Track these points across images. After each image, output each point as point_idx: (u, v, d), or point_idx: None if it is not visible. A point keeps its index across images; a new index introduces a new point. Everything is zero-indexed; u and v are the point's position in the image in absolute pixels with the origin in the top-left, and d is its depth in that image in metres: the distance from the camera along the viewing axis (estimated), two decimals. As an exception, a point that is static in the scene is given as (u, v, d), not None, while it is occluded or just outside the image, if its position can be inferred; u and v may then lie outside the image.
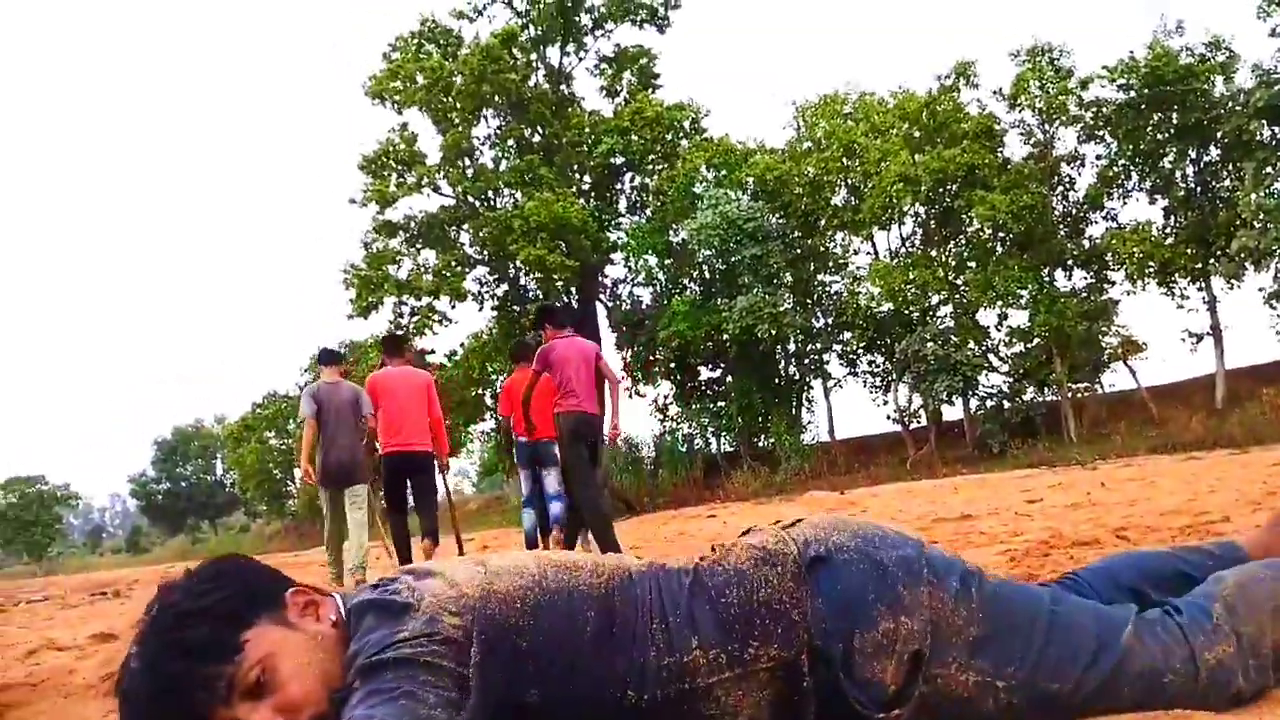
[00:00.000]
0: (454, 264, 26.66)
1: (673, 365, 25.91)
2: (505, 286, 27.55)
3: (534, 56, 27.48)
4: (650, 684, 1.23)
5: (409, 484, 7.05)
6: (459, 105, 26.35)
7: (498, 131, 27.72)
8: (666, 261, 26.11)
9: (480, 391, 27.98)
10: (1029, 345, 23.52)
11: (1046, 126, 23.50)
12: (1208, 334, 22.06)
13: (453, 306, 26.85)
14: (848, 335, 25.68)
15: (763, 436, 26.07)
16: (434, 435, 7.17)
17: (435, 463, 7.33)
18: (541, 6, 26.78)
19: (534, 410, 6.88)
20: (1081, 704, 1.29)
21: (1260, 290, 21.36)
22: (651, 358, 26.11)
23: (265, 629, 1.25)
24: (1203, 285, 22.04)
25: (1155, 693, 1.30)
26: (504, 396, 8.30)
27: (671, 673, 1.24)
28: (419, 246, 27.35)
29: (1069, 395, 22.85)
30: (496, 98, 26.07)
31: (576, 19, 27.15)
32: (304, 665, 1.23)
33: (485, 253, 26.75)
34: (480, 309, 27.72)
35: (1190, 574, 1.56)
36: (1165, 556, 1.66)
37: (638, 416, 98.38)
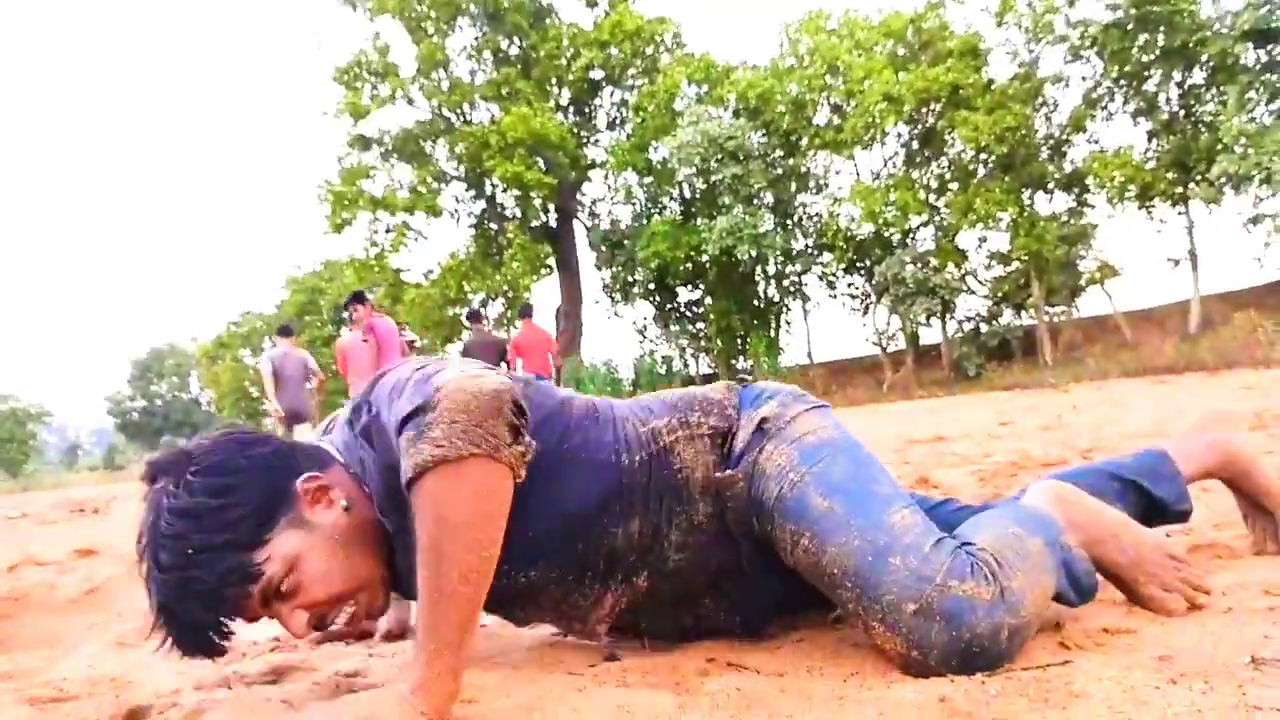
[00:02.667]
0: (429, 180, 26.28)
1: (652, 286, 25.85)
2: (482, 204, 27.22)
3: (511, -35, 26.74)
4: (635, 447, 1.46)
5: None
6: (433, 14, 25.69)
7: (474, 43, 27.05)
8: (646, 180, 25.83)
9: (457, 311, 27.87)
10: (1008, 269, 23.61)
11: (1032, 46, 23.22)
12: (1185, 258, 22.21)
13: (428, 223, 26.57)
14: (827, 257, 25.63)
15: (741, 358, 26.20)
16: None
17: None
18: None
19: (528, 357, 10.02)
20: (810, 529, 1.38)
21: (1238, 215, 21.47)
22: (630, 278, 26.02)
23: (283, 538, 1.28)
24: (1182, 210, 22.11)
25: (872, 572, 1.29)
26: (515, 347, 10.32)
27: (647, 437, 1.48)
28: (393, 162, 26.91)
29: (1045, 319, 23.03)
30: (472, 7, 25.41)
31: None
32: (325, 569, 1.29)
33: (461, 169, 26.35)
34: (457, 226, 27.49)
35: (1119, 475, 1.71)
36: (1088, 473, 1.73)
37: (617, 338, 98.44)
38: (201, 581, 1.23)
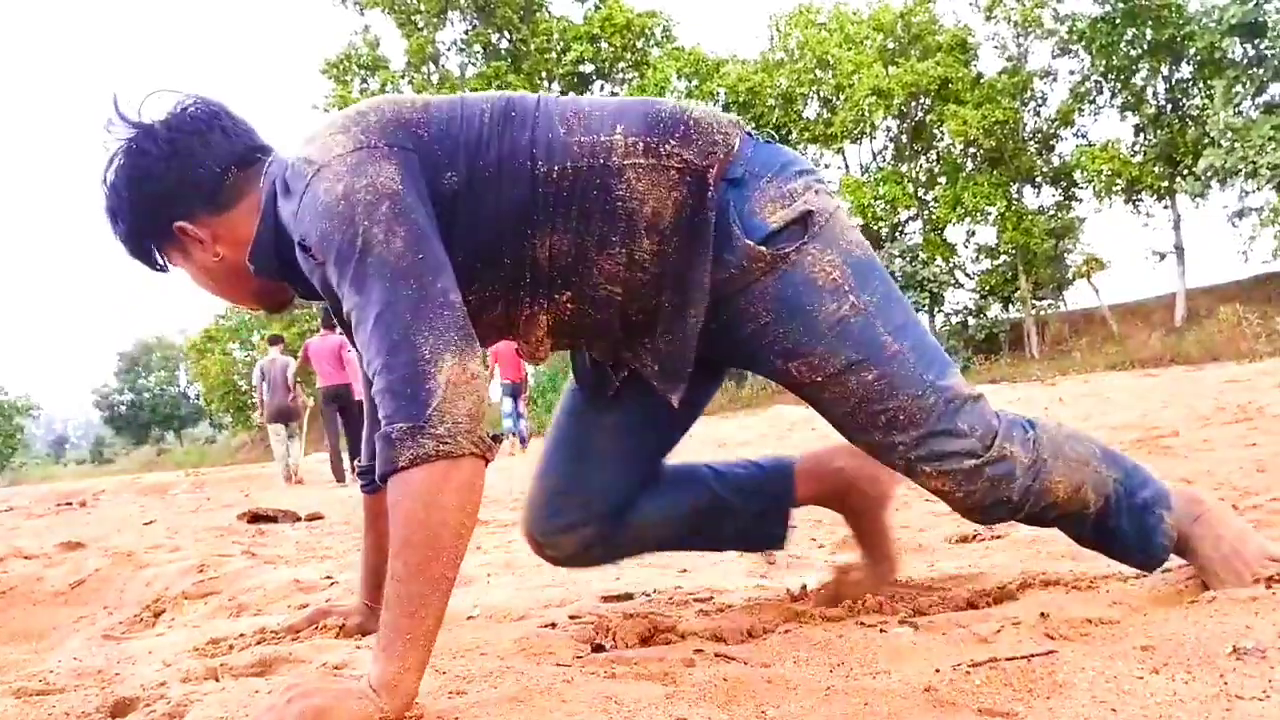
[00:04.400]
0: (420, 174, 26.23)
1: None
2: (472, 197, 27.20)
3: (501, -42, 26.65)
4: (559, 156, 1.33)
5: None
6: (424, 8, 25.61)
7: (464, 36, 26.99)
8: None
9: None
10: (995, 262, 23.69)
11: (1021, 40, 23.29)
12: (1171, 252, 22.32)
13: (419, 217, 26.51)
14: (816, 250, 25.67)
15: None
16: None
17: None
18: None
19: (505, 367, 13.05)
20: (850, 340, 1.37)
21: (1224, 209, 21.57)
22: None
23: (172, 250, 1.48)
24: (1168, 204, 22.22)
25: (919, 416, 1.37)
26: (494, 355, 12.99)
27: (584, 148, 1.34)
28: (383, 155, 26.84)
29: (1033, 312, 23.12)
30: (462, 1, 25.33)
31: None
32: (201, 284, 1.52)
33: (451, 162, 26.31)
34: (447, 220, 27.42)
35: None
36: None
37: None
38: (121, 234, 1.48)
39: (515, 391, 13.96)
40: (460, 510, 1.17)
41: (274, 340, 11.18)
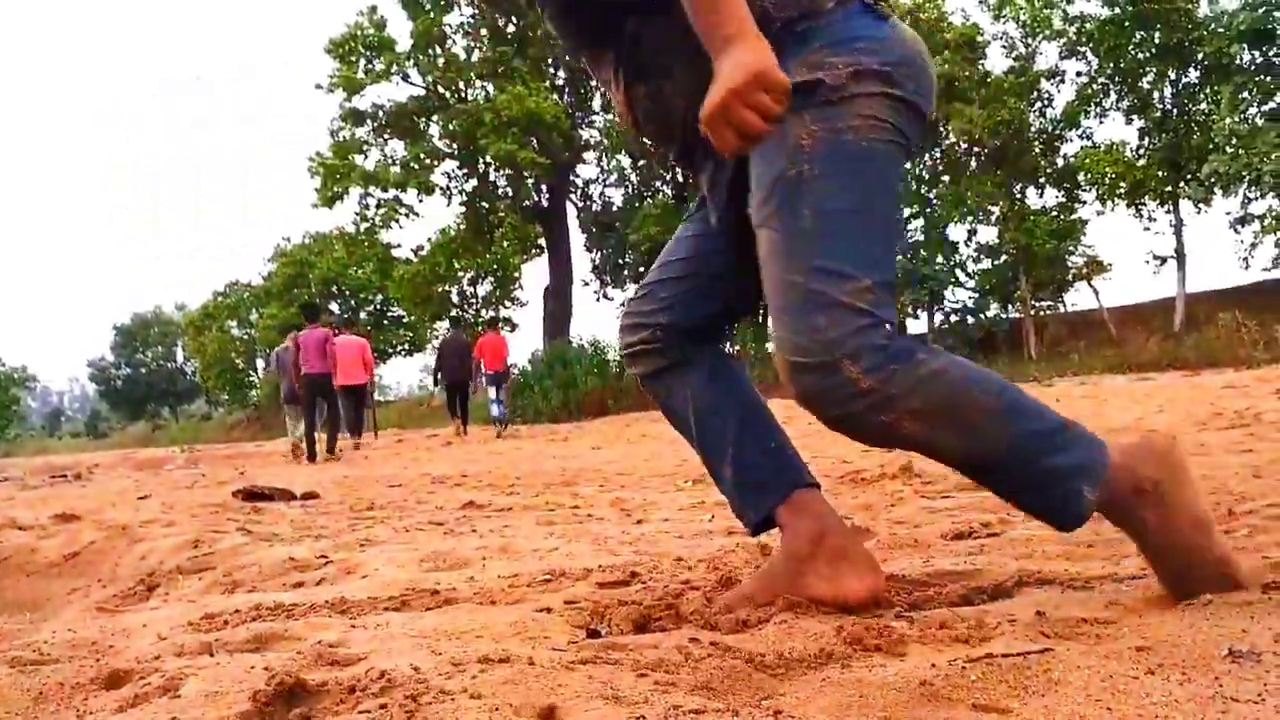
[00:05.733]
0: (422, 156, 26.13)
1: (641, 269, 25.82)
2: (474, 182, 27.09)
3: (510, -59, 26.52)
4: None
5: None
6: (431, -10, 25.50)
7: (470, 20, 26.88)
8: (639, 163, 25.75)
9: (446, 289, 27.75)
10: (996, 262, 23.68)
11: (1029, 40, 23.24)
12: (1172, 257, 22.31)
13: (420, 200, 26.42)
14: (818, 245, 25.65)
15: (729, 344, 26.21)
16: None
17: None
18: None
19: (488, 358, 14.93)
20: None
21: (1227, 215, 21.59)
22: (621, 260, 25.99)
23: None
24: (1171, 208, 22.20)
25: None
26: (478, 349, 15.22)
27: None
28: (387, 137, 26.75)
29: (1032, 313, 23.13)
30: (471, -16, 25.24)
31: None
32: None
33: (455, 146, 26.20)
34: (448, 204, 27.31)
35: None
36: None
37: (605, 320, 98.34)
38: None
39: (498, 380, 15.16)
40: None
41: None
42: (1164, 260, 22.39)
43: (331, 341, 11.64)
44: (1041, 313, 23.61)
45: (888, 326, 1.39)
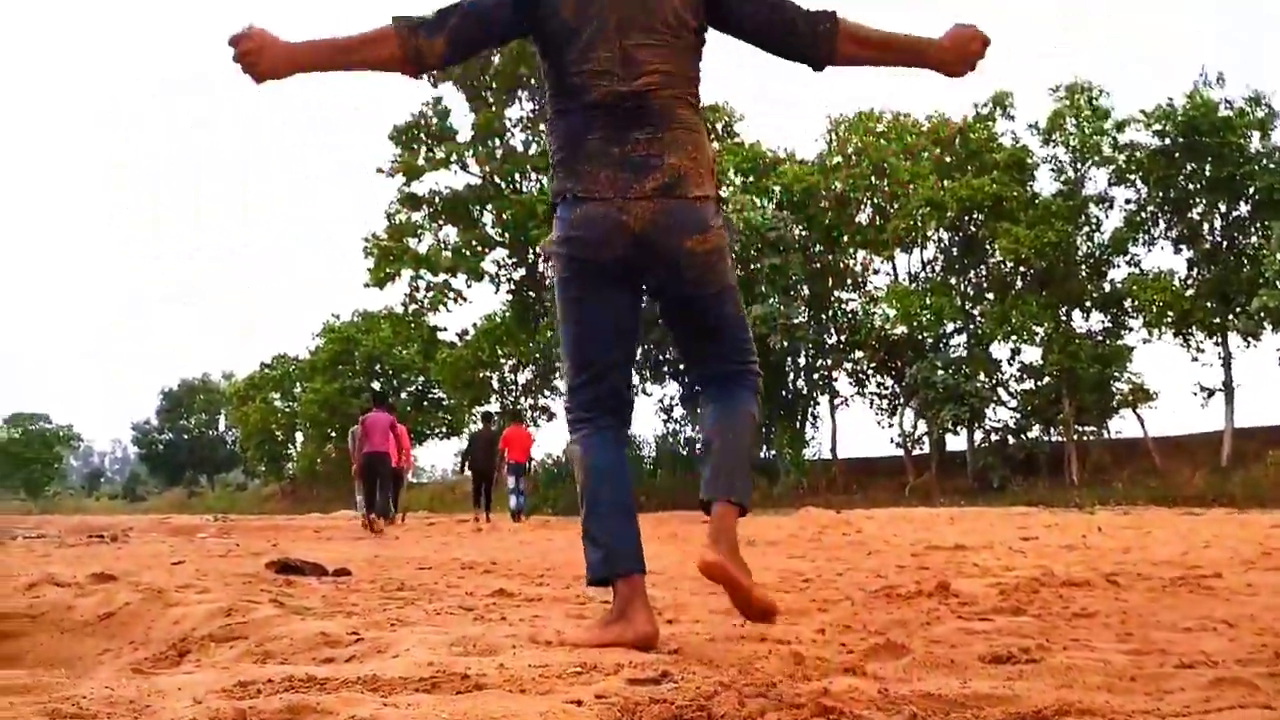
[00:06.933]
0: (474, 243, 26.73)
1: (681, 366, 25.90)
2: (523, 270, 27.59)
3: (574, 46, 27.44)
4: None
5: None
6: (495, 85, 26.41)
7: (530, 115, 27.74)
8: (686, 262, 26.04)
9: (487, 374, 28.01)
10: (1039, 383, 23.47)
11: (1078, 165, 23.44)
12: (1219, 390, 21.97)
13: (469, 285, 26.91)
14: (859, 354, 25.65)
15: (765, 448, 26.07)
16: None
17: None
18: (587, -3, 26.83)
19: (510, 449, 15.96)
20: None
21: (1278, 350, 21.29)
22: (661, 356, 26.13)
23: None
24: (1219, 340, 21.95)
25: None
26: (504, 440, 16.24)
27: None
28: (441, 222, 27.43)
29: (1074, 437, 22.79)
30: (532, 81, 26.10)
31: None
32: None
33: (506, 235, 26.80)
34: (496, 291, 27.77)
35: None
36: None
37: (641, 415, 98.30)
38: None
39: (518, 471, 16.09)
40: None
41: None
42: (1211, 393, 22.06)
43: (397, 426, 12.85)
44: (1085, 438, 23.26)
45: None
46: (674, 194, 2.14)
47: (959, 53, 2.24)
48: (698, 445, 26.49)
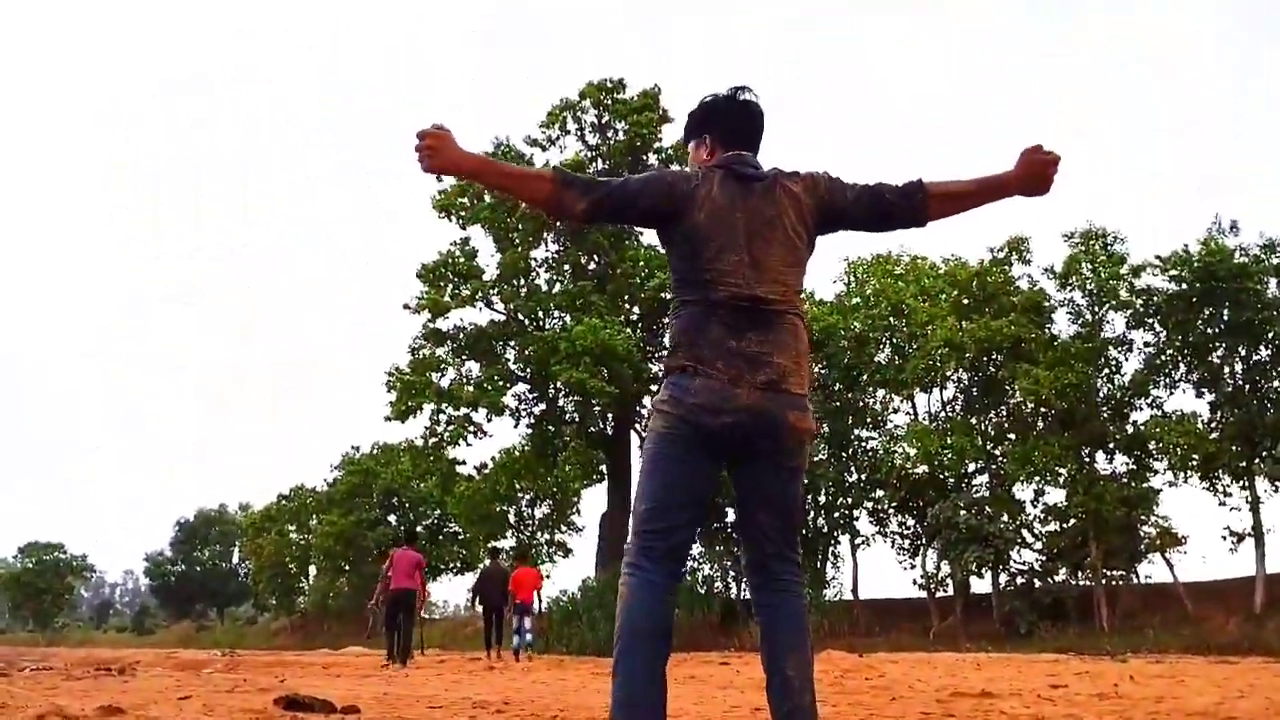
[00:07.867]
0: (496, 378, 26.98)
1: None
2: (543, 406, 27.74)
3: (598, 189, 28.31)
4: None
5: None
6: (521, 227, 27.17)
7: (555, 255, 28.44)
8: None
9: (504, 508, 27.83)
10: (1064, 525, 23.05)
11: (1096, 308, 23.62)
12: (1249, 534, 21.50)
13: (489, 419, 27.03)
14: (880, 493, 25.38)
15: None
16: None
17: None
18: (613, 144, 27.85)
19: (519, 589, 16.07)
20: None
21: (1306, 496, 20.92)
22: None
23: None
24: (1246, 484, 21.60)
25: None
26: (514, 580, 16.37)
27: None
28: (464, 357, 27.78)
29: (1103, 582, 22.22)
30: (558, 224, 26.87)
31: (644, 158, 28.12)
32: None
33: (528, 370, 27.07)
34: (516, 425, 27.84)
35: None
36: None
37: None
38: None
39: (523, 611, 16.20)
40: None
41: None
42: (1241, 537, 21.58)
43: (423, 564, 13.68)
44: (1114, 582, 22.67)
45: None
46: (779, 388, 2.39)
47: (1036, 179, 2.55)
48: (720, 594, 26.00)
